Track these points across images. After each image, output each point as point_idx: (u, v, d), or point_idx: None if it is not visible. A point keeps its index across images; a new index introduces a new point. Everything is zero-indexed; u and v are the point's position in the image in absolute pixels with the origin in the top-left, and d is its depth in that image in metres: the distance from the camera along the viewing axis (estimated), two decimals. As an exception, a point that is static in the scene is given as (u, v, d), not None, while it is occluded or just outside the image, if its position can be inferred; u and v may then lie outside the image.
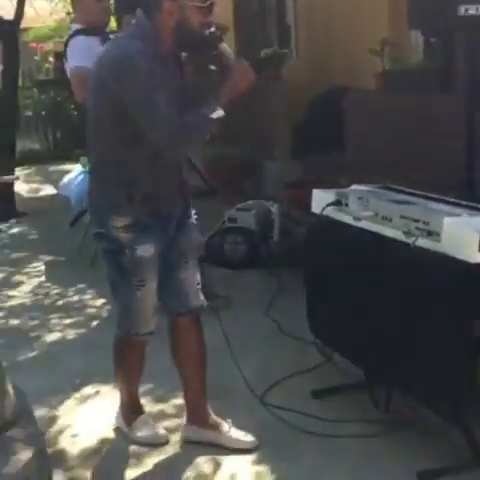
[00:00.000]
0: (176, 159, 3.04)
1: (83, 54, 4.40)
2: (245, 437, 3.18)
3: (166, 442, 3.25)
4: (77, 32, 4.63)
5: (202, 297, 3.17)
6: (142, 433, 3.27)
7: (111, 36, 4.34)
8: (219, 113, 2.85)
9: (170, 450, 3.20)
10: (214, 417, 3.24)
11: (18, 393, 2.60)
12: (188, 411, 3.29)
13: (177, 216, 3.08)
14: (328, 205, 3.30)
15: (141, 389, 3.42)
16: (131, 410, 3.35)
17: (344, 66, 6.38)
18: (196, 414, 3.25)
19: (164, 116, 2.77)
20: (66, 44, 4.69)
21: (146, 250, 2.96)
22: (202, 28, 2.86)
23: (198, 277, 3.17)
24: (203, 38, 2.89)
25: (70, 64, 4.56)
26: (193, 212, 3.17)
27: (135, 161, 2.91)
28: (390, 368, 3.10)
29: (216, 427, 3.21)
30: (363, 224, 3.16)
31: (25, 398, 2.63)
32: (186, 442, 3.23)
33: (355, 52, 6.24)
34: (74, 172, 6.45)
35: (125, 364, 3.30)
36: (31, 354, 4.34)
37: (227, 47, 2.97)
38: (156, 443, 3.25)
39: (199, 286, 3.17)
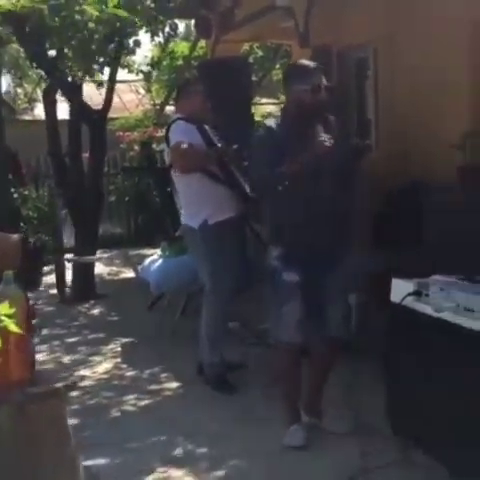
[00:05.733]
0: (317, 212, 3.79)
1: (183, 132, 4.87)
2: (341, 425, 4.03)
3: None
4: (179, 118, 5.02)
5: (342, 330, 3.93)
6: (287, 441, 3.91)
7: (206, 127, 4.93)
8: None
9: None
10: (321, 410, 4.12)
11: (89, 476, 2.60)
12: (304, 404, 4.10)
13: (323, 258, 3.83)
14: (408, 295, 3.27)
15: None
16: (288, 417, 4.00)
17: (423, 161, 6.38)
18: (311, 406, 4.11)
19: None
20: (168, 129, 5.05)
21: (290, 276, 3.80)
22: (311, 104, 3.82)
23: (343, 313, 3.94)
24: (309, 110, 3.85)
25: (172, 141, 4.91)
26: (351, 259, 3.97)
27: (281, 211, 3.87)
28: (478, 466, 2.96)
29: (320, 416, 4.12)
30: (444, 315, 3.11)
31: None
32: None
33: (435, 147, 6.24)
34: (154, 257, 6.56)
35: (279, 373, 4.04)
36: (104, 434, 4.34)
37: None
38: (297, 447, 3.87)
39: (341, 321, 3.92)
